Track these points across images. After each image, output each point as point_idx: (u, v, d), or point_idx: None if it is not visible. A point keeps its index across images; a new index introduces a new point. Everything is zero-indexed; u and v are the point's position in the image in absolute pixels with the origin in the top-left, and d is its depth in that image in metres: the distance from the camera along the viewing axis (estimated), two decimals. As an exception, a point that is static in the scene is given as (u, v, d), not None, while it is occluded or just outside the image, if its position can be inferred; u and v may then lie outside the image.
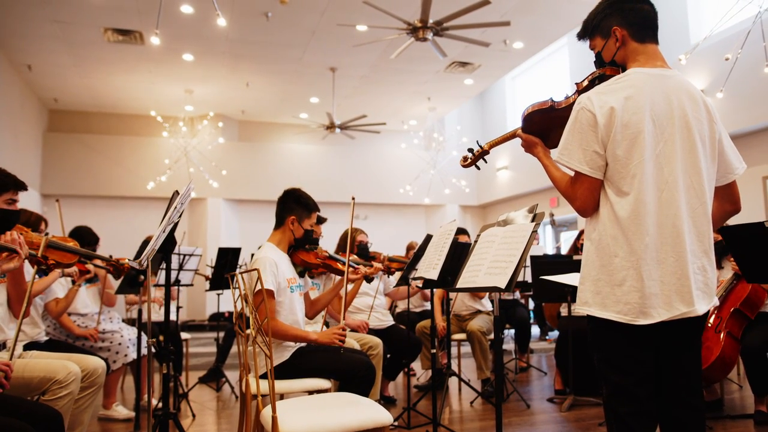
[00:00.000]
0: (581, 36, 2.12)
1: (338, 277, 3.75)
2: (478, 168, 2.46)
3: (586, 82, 2.05)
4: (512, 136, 2.24)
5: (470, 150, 2.40)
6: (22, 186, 2.67)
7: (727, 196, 2.01)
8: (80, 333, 4.12)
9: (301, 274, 3.42)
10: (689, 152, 1.86)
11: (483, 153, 2.37)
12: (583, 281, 1.93)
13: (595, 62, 2.10)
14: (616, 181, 1.84)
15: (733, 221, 4.55)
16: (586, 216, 1.94)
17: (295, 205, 3.26)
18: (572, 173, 1.93)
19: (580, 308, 1.93)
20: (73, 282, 3.73)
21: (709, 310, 1.89)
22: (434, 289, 4.75)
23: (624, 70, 1.98)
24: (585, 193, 1.89)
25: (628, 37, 1.95)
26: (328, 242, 4.09)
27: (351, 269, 3.65)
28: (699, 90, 1.96)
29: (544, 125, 2.12)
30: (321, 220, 4.25)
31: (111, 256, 3.47)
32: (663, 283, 1.80)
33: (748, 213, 4.67)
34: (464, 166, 2.43)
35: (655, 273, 1.80)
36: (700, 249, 1.86)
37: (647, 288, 1.79)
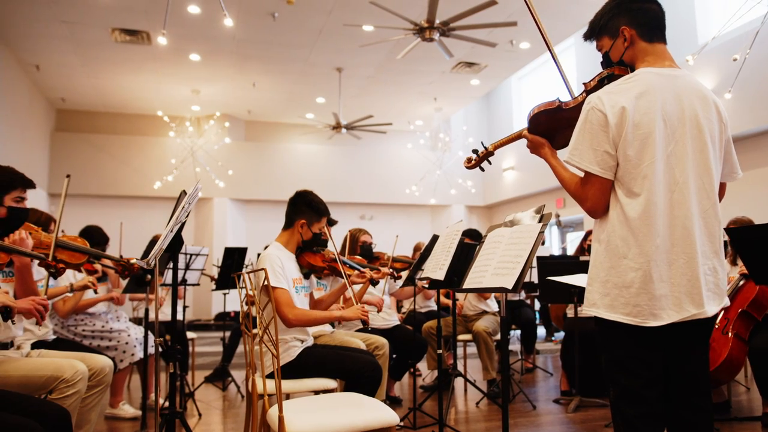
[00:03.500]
0: (588, 36, 2.10)
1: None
2: (482, 169, 2.44)
3: (594, 82, 2.03)
4: (518, 137, 2.22)
5: (474, 151, 2.38)
6: (29, 184, 2.67)
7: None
8: (105, 297, 4.19)
9: (306, 276, 3.43)
10: (700, 153, 1.85)
11: (487, 154, 2.35)
12: (591, 282, 1.92)
13: (602, 62, 2.08)
14: (626, 181, 1.83)
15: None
16: (596, 217, 1.93)
17: (306, 209, 3.27)
18: (581, 174, 1.92)
19: (588, 310, 1.92)
20: (95, 292, 3.78)
21: (718, 312, 1.88)
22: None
23: (632, 70, 1.96)
24: (596, 194, 1.87)
25: (637, 36, 1.93)
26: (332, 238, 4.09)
27: (357, 273, 3.66)
28: (709, 90, 1.95)
29: (550, 126, 2.10)
30: (332, 223, 4.26)
31: (121, 256, 3.48)
32: (673, 285, 1.79)
33: (758, 214, 4.65)
34: (468, 168, 2.41)
35: (665, 274, 1.79)
36: (711, 250, 1.85)
37: (657, 289, 1.78)
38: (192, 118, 11.91)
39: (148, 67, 10.00)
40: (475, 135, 13.61)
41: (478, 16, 7.06)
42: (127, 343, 4.21)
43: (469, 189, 13.61)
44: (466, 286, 2.38)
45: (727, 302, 1.91)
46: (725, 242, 4.62)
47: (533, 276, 5.70)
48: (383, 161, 13.84)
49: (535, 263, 5.09)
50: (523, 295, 6.53)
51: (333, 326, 4.18)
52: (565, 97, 2.11)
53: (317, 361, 3.04)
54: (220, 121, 12.26)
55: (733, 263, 4.24)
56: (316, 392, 3.03)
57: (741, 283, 3.95)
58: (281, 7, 7.74)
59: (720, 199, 2.01)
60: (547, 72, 12.12)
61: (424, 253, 3.88)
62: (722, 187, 2.02)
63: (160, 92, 11.30)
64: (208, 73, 10.29)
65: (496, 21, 7.46)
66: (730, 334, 3.82)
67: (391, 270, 4.19)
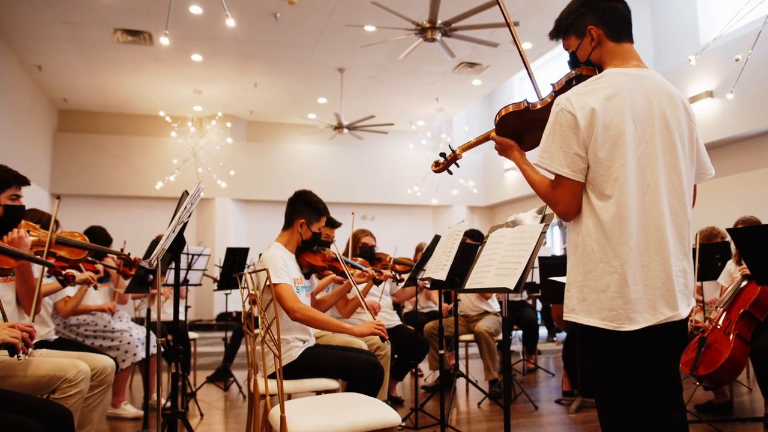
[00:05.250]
0: (554, 35, 2.08)
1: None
2: (450, 173, 2.38)
3: (562, 83, 2.01)
4: (486, 138, 2.19)
5: (442, 155, 2.33)
6: (24, 181, 2.67)
7: None
8: (98, 308, 4.18)
9: (306, 276, 3.43)
10: (670, 153, 1.84)
11: (454, 158, 2.31)
12: (569, 288, 1.91)
13: (569, 62, 2.06)
14: (598, 184, 1.81)
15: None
16: (568, 220, 1.91)
17: (305, 208, 3.26)
18: (551, 176, 1.90)
19: (568, 316, 1.91)
20: (95, 288, 3.76)
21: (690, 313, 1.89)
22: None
23: (600, 70, 1.95)
24: (567, 197, 1.85)
25: (604, 36, 1.92)
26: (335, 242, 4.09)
27: (359, 272, 3.65)
28: (677, 90, 1.94)
29: (518, 127, 2.07)
30: (336, 225, 4.24)
31: (122, 250, 3.48)
32: (647, 287, 1.79)
33: (759, 215, 4.64)
34: (436, 171, 2.35)
35: (639, 277, 1.78)
36: (680, 251, 1.85)
37: (631, 293, 1.77)
38: (194, 119, 11.92)
39: (149, 68, 10.01)
40: (477, 135, 13.57)
41: (480, 17, 7.06)
42: (129, 343, 4.21)
43: (471, 189, 13.60)
44: (468, 286, 2.38)
45: (693, 303, 1.92)
46: (728, 242, 4.62)
47: (535, 276, 5.70)
48: (385, 161, 13.84)
49: (537, 264, 5.09)
50: (525, 295, 6.53)
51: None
52: (533, 98, 2.09)
53: (319, 362, 3.04)
54: (222, 122, 12.27)
55: (739, 263, 4.24)
56: (318, 392, 3.03)
57: (743, 283, 3.94)
58: (283, 8, 7.75)
59: (693, 202, 1.99)
60: (549, 72, 12.11)
61: (425, 254, 3.87)
62: (695, 189, 2.00)
63: (162, 92, 11.31)
64: (209, 74, 10.30)
65: (498, 21, 7.45)
66: (732, 334, 3.82)
67: (393, 273, 4.18)
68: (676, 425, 1.90)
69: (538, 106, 2.02)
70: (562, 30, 2.03)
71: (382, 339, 2.97)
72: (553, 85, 2.04)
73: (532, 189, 1.98)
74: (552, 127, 1.84)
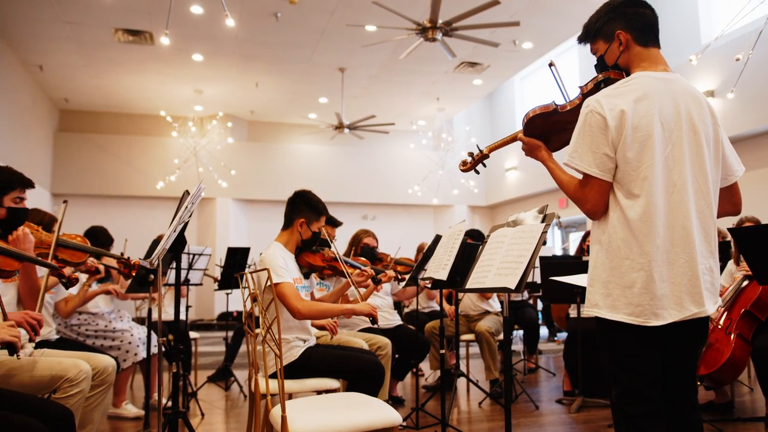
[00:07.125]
0: (582, 39, 2.13)
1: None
2: (477, 172, 2.43)
3: (590, 86, 2.05)
4: (513, 139, 2.23)
5: (470, 154, 2.37)
6: (28, 183, 2.67)
7: (728, 198, 2.03)
8: (103, 289, 4.17)
9: (306, 275, 3.43)
10: (696, 155, 1.88)
11: (483, 157, 2.35)
12: (593, 283, 1.93)
13: (596, 66, 2.10)
14: (626, 183, 1.85)
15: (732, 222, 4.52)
16: (596, 219, 1.95)
17: (304, 207, 3.27)
18: (579, 176, 1.94)
19: (590, 310, 1.93)
20: (91, 272, 3.74)
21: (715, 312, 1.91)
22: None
23: (627, 74, 1.98)
24: (595, 196, 1.89)
25: (632, 41, 1.96)
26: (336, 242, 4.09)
27: (358, 272, 3.65)
28: (702, 93, 1.98)
29: (545, 129, 2.11)
30: (337, 224, 4.23)
31: (122, 254, 3.48)
32: (674, 284, 1.81)
33: (762, 214, 4.64)
34: (464, 171, 2.41)
35: (666, 274, 1.81)
36: (707, 250, 1.88)
37: (658, 289, 1.80)
38: (195, 118, 11.92)
39: (150, 68, 10.02)
40: (478, 135, 13.60)
41: (481, 16, 7.06)
42: (130, 342, 4.21)
43: (472, 189, 13.60)
44: (468, 286, 2.39)
45: (720, 302, 1.94)
46: (729, 242, 4.62)
47: (536, 276, 5.70)
48: (386, 161, 13.85)
49: (538, 263, 5.08)
50: (525, 295, 6.53)
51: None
52: (561, 101, 2.12)
53: (320, 361, 3.04)
54: (223, 121, 12.27)
55: (737, 263, 4.23)
56: (319, 392, 3.03)
57: (744, 283, 3.94)
58: (284, 7, 7.75)
59: (738, 200, 2.05)
60: (549, 72, 12.08)
61: (426, 254, 3.87)
62: (734, 188, 2.04)
63: (163, 92, 11.31)
64: (210, 73, 10.30)
65: (499, 21, 7.46)
66: (733, 334, 3.82)
67: (395, 273, 4.18)
68: (694, 425, 1.92)
69: (568, 108, 2.05)
70: (590, 34, 2.08)
71: (373, 320, 3.03)
72: (580, 87, 2.08)
73: (560, 188, 2.01)
74: (581, 128, 1.88)
